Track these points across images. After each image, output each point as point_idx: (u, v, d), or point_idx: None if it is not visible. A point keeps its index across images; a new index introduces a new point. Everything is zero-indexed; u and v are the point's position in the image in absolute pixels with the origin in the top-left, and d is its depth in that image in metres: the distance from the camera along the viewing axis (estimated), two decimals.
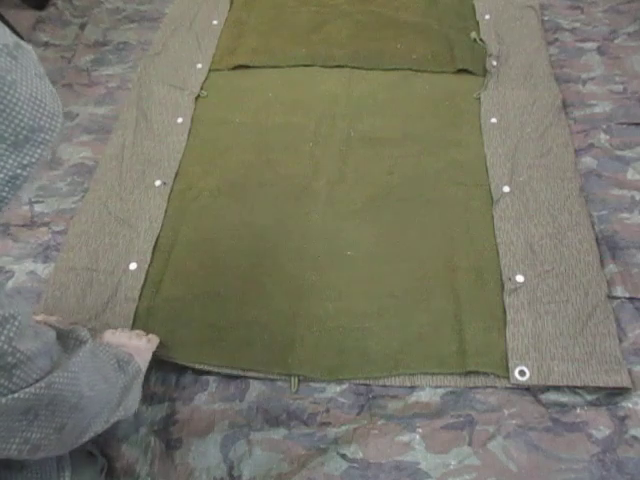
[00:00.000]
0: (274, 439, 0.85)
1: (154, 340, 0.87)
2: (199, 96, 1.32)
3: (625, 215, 1.06)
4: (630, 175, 1.12)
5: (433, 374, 0.89)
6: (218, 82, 1.36)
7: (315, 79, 1.34)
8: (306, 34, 1.44)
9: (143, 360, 0.80)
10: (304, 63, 1.37)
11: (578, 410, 0.85)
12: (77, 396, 0.57)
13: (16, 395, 0.49)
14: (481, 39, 1.38)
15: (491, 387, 0.88)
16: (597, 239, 1.02)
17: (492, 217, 1.06)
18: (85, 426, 0.62)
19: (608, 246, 1.02)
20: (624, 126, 1.20)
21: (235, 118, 1.27)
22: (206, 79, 1.36)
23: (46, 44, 1.51)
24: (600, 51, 1.35)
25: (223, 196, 1.13)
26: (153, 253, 1.05)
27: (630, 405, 0.85)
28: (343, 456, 0.83)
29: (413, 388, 0.89)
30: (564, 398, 0.86)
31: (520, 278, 0.97)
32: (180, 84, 1.34)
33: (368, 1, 1.52)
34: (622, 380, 0.85)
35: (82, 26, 1.56)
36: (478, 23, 1.44)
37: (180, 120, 1.27)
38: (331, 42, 1.41)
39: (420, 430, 0.85)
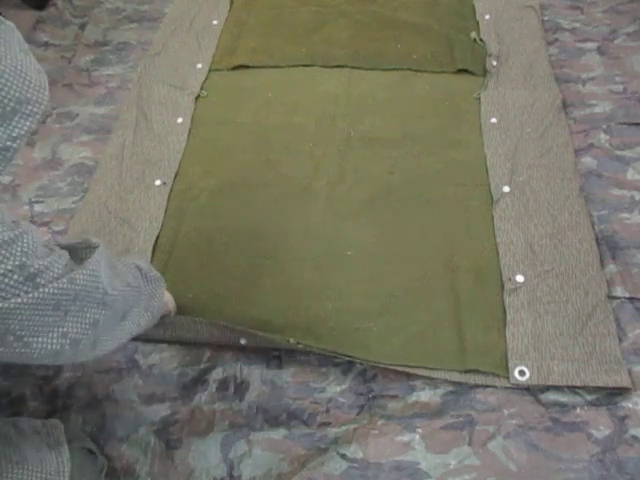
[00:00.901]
0: (274, 439, 0.85)
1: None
2: (199, 96, 1.32)
3: (625, 215, 1.06)
4: (630, 175, 1.12)
5: (433, 369, 0.89)
6: (218, 82, 1.36)
7: (315, 79, 1.34)
8: (306, 34, 1.44)
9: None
10: (304, 63, 1.37)
11: (578, 410, 0.85)
12: (101, 292, 0.61)
13: (41, 290, 0.52)
14: (481, 39, 1.38)
15: (491, 387, 0.88)
16: (597, 239, 1.02)
17: (492, 217, 1.06)
18: (118, 326, 0.66)
19: (608, 246, 1.02)
20: (624, 126, 1.20)
21: (235, 118, 1.27)
22: (206, 79, 1.36)
23: (46, 44, 1.51)
24: (600, 51, 1.36)
25: (223, 196, 1.14)
26: (153, 253, 1.05)
27: (630, 405, 0.85)
28: (343, 456, 0.83)
29: (413, 388, 0.89)
30: (564, 398, 0.86)
31: (520, 278, 0.97)
32: (180, 84, 1.34)
33: (368, 1, 1.52)
34: (622, 380, 0.85)
35: (82, 26, 1.56)
36: (478, 23, 1.44)
37: (180, 120, 1.27)
38: (331, 42, 1.41)
39: (420, 430, 0.85)
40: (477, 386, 0.88)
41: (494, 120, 1.21)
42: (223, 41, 1.45)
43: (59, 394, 0.90)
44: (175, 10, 1.55)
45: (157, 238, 1.07)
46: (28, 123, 0.50)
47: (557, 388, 0.87)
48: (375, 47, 1.39)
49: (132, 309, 0.69)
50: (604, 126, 1.20)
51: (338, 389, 0.89)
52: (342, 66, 1.36)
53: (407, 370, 0.88)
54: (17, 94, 0.49)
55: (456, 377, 0.88)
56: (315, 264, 1.02)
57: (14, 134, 0.49)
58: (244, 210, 1.11)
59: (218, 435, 0.86)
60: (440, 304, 0.96)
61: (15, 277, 0.50)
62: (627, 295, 0.96)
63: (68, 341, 0.57)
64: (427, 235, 1.05)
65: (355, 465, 0.82)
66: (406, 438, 0.84)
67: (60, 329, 0.56)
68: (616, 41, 1.38)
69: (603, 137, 1.18)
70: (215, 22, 1.50)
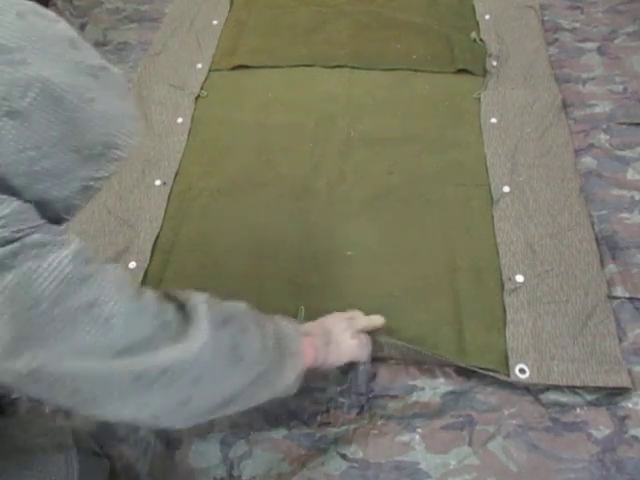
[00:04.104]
0: (274, 439, 0.85)
1: (365, 349, 0.80)
2: (199, 96, 1.32)
3: (625, 215, 1.06)
4: (630, 175, 1.12)
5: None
6: (218, 82, 1.36)
7: (315, 79, 1.34)
8: (306, 34, 1.44)
9: (327, 357, 0.73)
10: (304, 63, 1.37)
11: (578, 410, 0.85)
12: (196, 371, 0.53)
13: (118, 361, 0.48)
14: (481, 39, 1.38)
15: (491, 387, 0.88)
16: (597, 239, 1.02)
17: (492, 217, 1.06)
18: (216, 402, 0.57)
19: (608, 246, 1.02)
20: (624, 126, 1.20)
21: (235, 118, 1.27)
22: (206, 79, 1.36)
23: None
24: (600, 51, 1.36)
25: (223, 196, 1.13)
26: (153, 253, 1.05)
27: (630, 405, 0.85)
28: (343, 456, 0.83)
29: (413, 388, 0.89)
30: (564, 398, 0.86)
31: (520, 278, 0.97)
32: (180, 84, 1.34)
33: (368, 1, 1.52)
34: (622, 380, 0.85)
35: (82, 26, 1.56)
36: (478, 23, 1.44)
37: (180, 120, 1.27)
38: (331, 42, 1.41)
39: (420, 430, 0.85)
40: (477, 386, 0.88)
41: (494, 120, 1.21)
42: (223, 41, 1.45)
43: None
44: (175, 10, 1.55)
45: (157, 238, 1.07)
46: (113, 167, 0.51)
47: (557, 388, 0.86)
48: (375, 47, 1.39)
49: (239, 385, 0.58)
50: (604, 126, 1.20)
51: (338, 389, 0.89)
52: (342, 66, 1.36)
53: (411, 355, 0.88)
54: (105, 138, 0.49)
55: (460, 363, 0.87)
56: (315, 264, 1.02)
57: (98, 175, 0.50)
58: (244, 210, 1.11)
59: (218, 435, 0.86)
60: (440, 304, 0.96)
61: (84, 317, 0.46)
62: (627, 295, 0.96)
63: (147, 410, 0.51)
64: (427, 235, 1.05)
65: (355, 465, 0.82)
66: (406, 438, 0.84)
67: (141, 398, 0.50)
68: (616, 41, 1.38)
69: (603, 137, 1.18)
70: (215, 22, 1.50)
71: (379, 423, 0.85)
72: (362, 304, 0.96)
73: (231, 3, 1.56)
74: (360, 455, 0.83)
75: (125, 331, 0.48)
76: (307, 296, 0.98)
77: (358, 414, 0.87)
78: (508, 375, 0.87)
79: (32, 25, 0.46)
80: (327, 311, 0.96)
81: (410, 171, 1.15)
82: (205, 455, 0.84)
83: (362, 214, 1.09)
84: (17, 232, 0.43)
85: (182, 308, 0.57)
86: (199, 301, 0.57)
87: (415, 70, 1.34)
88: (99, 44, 1.50)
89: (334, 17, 1.49)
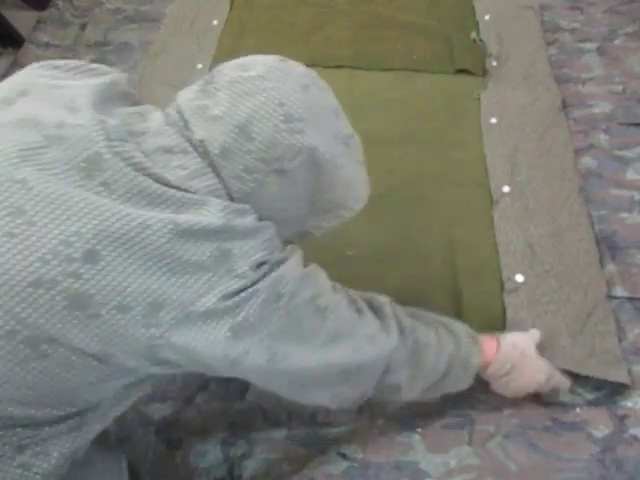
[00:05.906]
0: (274, 439, 0.85)
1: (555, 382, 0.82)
2: None
3: (625, 215, 1.06)
4: (630, 175, 1.12)
5: None
6: None
7: None
8: (306, 34, 1.44)
9: (509, 383, 0.79)
10: (304, 63, 1.37)
11: (577, 410, 0.85)
12: (381, 370, 0.61)
13: (329, 353, 0.55)
14: (481, 39, 1.38)
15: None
16: (597, 239, 1.02)
17: (492, 217, 1.06)
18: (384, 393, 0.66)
19: (608, 246, 1.02)
20: (624, 126, 1.20)
21: None
22: None
23: (47, 44, 1.51)
24: (599, 51, 1.36)
25: None
26: None
27: (630, 404, 0.85)
28: (343, 456, 0.83)
29: None
30: (564, 398, 0.86)
31: (520, 278, 0.97)
32: (181, 84, 1.34)
33: (368, 1, 1.53)
34: (621, 376, 0.85)
35: (83, 26, 1.56)
36: (478, 23, 1.44)
37: None
38: (331, 42, 1.42)
39: (420, 430, 0.85)
40: (477, 386, 0.88)
41: (494, 120, 1.22)
42: (223, 41, 1.45)
43: None
44: (175, 10, 1.55)
45: None
46: (334, 222, 0.60)
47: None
48: (375, 47, 1.39)
49: (407, 383, 0.66)
50: (604, 126, 1.20)
51: None
52: (342, 66, 1.36)
53: None
54: (338, 200, 0.58)
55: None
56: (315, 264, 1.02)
57: (320, 225, 0.60)
58: None
59: (219, 435, 0.86)
60: (440, 304, 0.96)
61: (309, 308, 0.52)
62: (627, 295, 0.96)
63: (337, 400, 0.60)
64: (427, 235, 1.05)
65: (355, 465, 0.82)
66: (406, 438, 0.84)
67: (335, 390, 0.58)
68: (615, 41, 1.38)
69: (603, 137, 1.19)
70: (215, 22, 1.50)
71: (379, 423, 0.86)
72: None
73: (231, 3, 1.56)
74: (360, 455, 0.83)
75: (334, 320, 0.55)
76: None
77: (358, 414, 0.87)
78: None
79: (312, 97, 0.56)
80: None
81: (410, 171, 1.15)
82: (206, 455, 0.85)
83: (362, 214, 1.08)
84: (269, 254, 0.51)
85: (370, 304, 0.64)
86: (383, 302, 0.65)
87: (415, 70, 1.34)
88: (100, 44, 1.50)
89: (334, 17, 1.49)
